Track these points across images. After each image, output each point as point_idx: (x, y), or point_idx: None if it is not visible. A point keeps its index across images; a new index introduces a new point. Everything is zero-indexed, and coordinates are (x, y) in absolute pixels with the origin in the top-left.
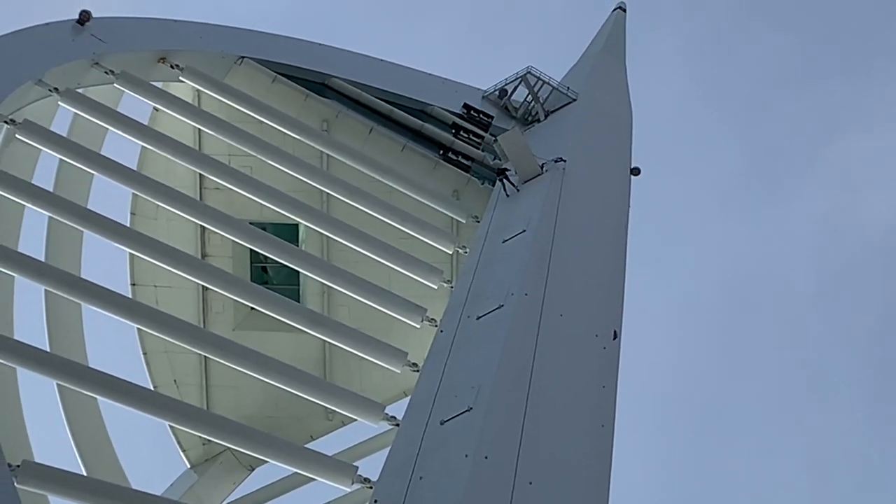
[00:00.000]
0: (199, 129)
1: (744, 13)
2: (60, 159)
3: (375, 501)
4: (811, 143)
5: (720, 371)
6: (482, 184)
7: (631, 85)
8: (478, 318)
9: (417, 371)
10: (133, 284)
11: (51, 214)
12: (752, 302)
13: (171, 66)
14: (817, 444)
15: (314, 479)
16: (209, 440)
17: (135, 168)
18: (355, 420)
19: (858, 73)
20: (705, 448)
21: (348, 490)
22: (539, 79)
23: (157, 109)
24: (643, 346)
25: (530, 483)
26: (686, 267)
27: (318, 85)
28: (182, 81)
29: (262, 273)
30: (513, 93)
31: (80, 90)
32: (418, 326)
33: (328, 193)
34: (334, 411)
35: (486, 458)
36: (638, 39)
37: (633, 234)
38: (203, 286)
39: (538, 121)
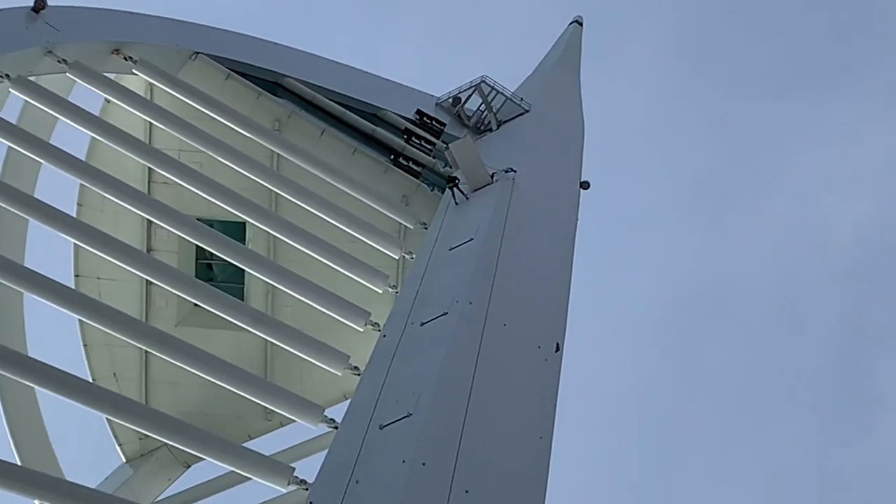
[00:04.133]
0: (150, 123)
1: (713, 29)
2: (9, 147)
3: (311, 503)
4: (773, 155)
5: (677, 381)
6: (432, 190)
7: (598, 94)
8: (421, 324)
9: (359, 374)
10: (77, 276)
11: None
12: (711, 312)
13: (125, 58)
14: (773, 454)
15: (250, 479)
16: (146, 435)
17: (84, 159)
18: (294, 421)
19: (820, 90)
20: (659, 460)
21: (284, 491)
22: (493, 88)
23: (108, 101)
24: (600, 356)
25: (466, 491)
26: (648, 276)
27: (272, 84)
28: (135, 74)
29: (207, 270)
30: (466, 101)
31: (31, 78)
32: (361, 330)
33: (277, 193)
34: (273, 411)
35: (424, 464)
36: (608, 50)
37: (594, 242)
38: (147, 280)
39: (490, 130)
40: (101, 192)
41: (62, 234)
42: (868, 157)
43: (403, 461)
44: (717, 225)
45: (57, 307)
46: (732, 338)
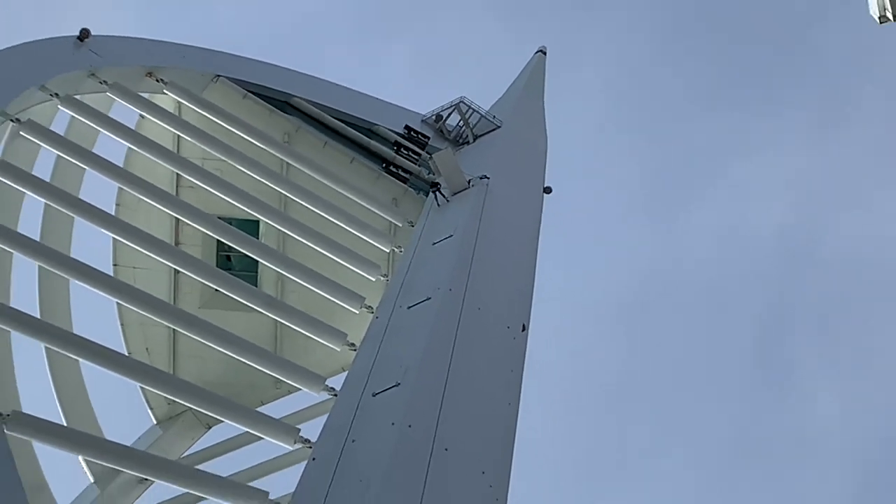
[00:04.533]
0: (179, 136)
1: (652, 56)
2: (57, 155)
3: (314, 459)
4: (707, 164)
5: (624, 360)
6: (417, 194)
7: (553, 112)
8: (408, 307)
9: (355, 350)
10: (115, 265)
11: (47, 202)
12: (653, 301)
13: (157, 80)
14: (706, 422)
15: (262, 438)
16: (173, 400)
17: (121, 166)
18: (300, 389)
19: (741, 107)
20: (606, 427)
21: (291, 448)
22: (470, 107)
23: (142, 117)
24: (558, 336)
25: (446, 449)
26: (600, 269)
27: (282, 102)
28: (166, 94)
29: (227, 261)
30: (447, 118)
31: (77, 97)
32: (357, 312)
33: (286, 196)
34: (282, 381)
35: (410, 426)
36: (562, 72)
37: (553, 240)
38: (175, 269)
39: (468, 143)
40: (137, 195)
41: (103, 230)
42: (790, 166)
43: (393, 423)
44: (660, 225)
45: (98, 292)
46: (673, 323)
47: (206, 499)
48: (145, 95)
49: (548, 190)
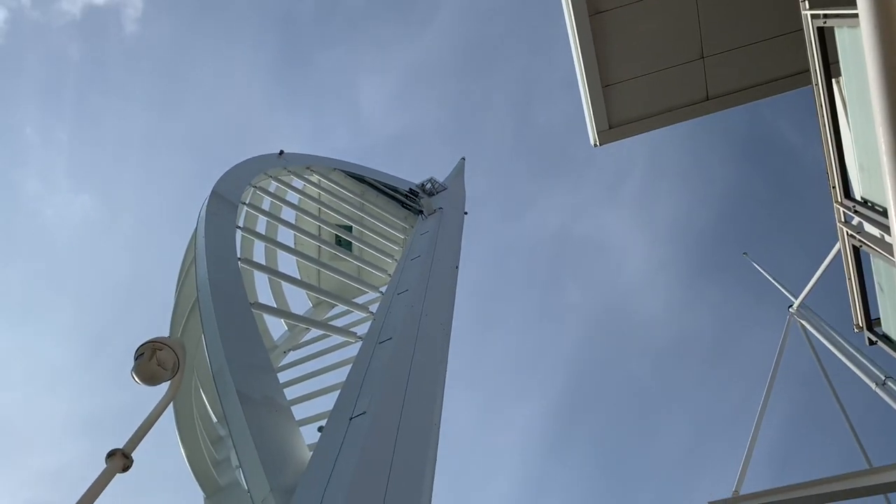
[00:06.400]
0: (320, 192)
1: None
2: (271, 201)
3: (374, 319)
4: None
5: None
6: (414, 215)
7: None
8: (411, 259)
9: (389, 276)
10: (295, 244)
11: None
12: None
13: (311, 170)
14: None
15: (352, 311)
16: (317, 296)
17: (296, 203)
18: (367, 292)
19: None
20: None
21: (364, 315)
22: (436, 180)
23: (305, 184)
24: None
25: (426, 315)
26: (479, 249)
27: (360, 178)
28: (315, 174)
29: (338, 241)
30: (426, 184)
31: (279, 177)
32: (391, 262)
33: (362, 215)
34: (360, 288)
35: (412, 305)
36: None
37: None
38: (318, 244)
39: (434, 194)
40: (304, 216)
41: (290, 230)
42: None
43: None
44: (498, 229)
45: (289, 254)
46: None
47: (329, 335)
48: (306, 175)
49: (466, 213)
